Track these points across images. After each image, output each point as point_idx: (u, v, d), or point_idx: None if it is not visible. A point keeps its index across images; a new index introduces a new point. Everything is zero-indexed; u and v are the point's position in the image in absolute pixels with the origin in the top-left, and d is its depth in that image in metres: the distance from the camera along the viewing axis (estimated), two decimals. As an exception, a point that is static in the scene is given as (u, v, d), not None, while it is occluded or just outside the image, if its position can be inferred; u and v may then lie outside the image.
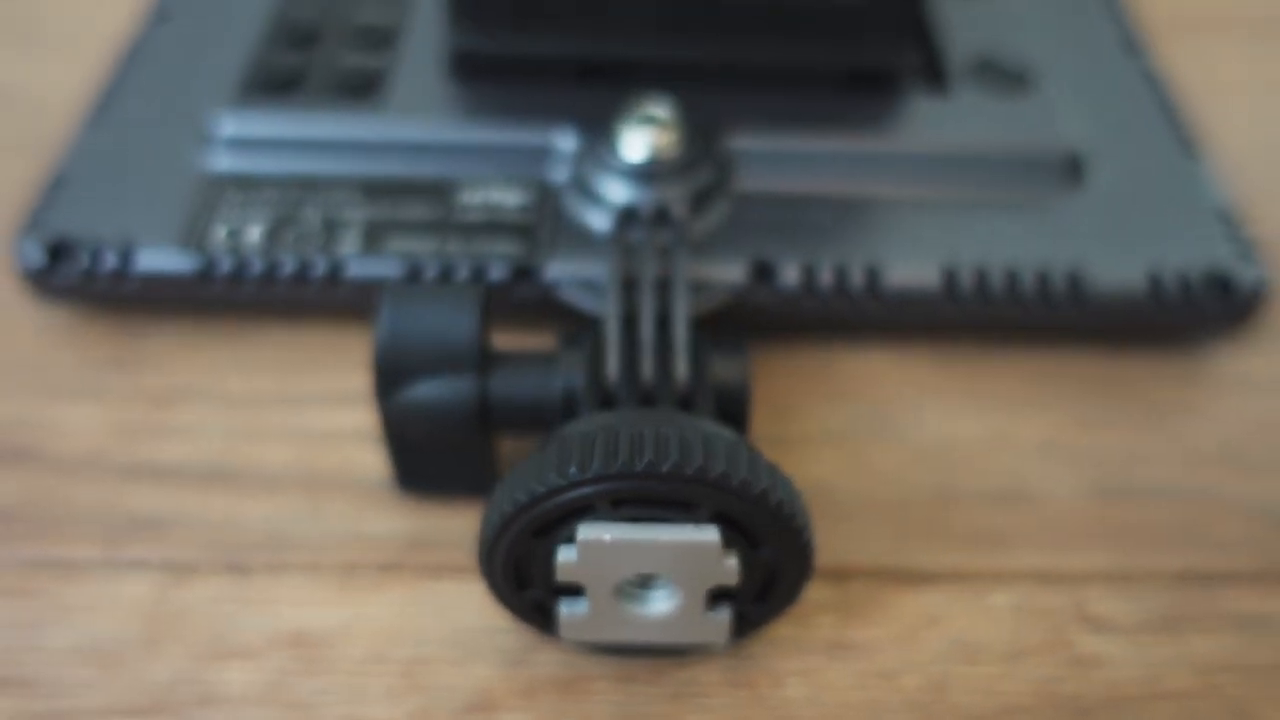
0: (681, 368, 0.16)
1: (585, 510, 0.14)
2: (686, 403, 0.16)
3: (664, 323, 0.17)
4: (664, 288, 0.18)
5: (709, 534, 0.14)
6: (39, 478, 0.18)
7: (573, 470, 0.13)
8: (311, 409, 0.19)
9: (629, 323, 0.17)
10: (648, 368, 0.16)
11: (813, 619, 0.17)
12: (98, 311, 0.20)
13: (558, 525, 0.14)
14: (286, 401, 0.19)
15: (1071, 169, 0.21)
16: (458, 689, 0.16)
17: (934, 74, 0.22)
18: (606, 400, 0.16)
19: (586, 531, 0.14)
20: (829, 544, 0.18)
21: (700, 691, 0.16)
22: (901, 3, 0.20)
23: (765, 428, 0.19)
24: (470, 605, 0.17)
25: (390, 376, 0.16)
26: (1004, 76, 0.22)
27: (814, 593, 0.17)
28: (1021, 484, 0.18)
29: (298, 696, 0.16)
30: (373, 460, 0.18)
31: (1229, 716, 0.16)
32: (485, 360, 0.16)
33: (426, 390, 0.16)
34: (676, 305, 0.17)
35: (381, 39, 0.22)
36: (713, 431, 0.14)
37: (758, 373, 0.20)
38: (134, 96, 0.22)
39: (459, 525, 0.18)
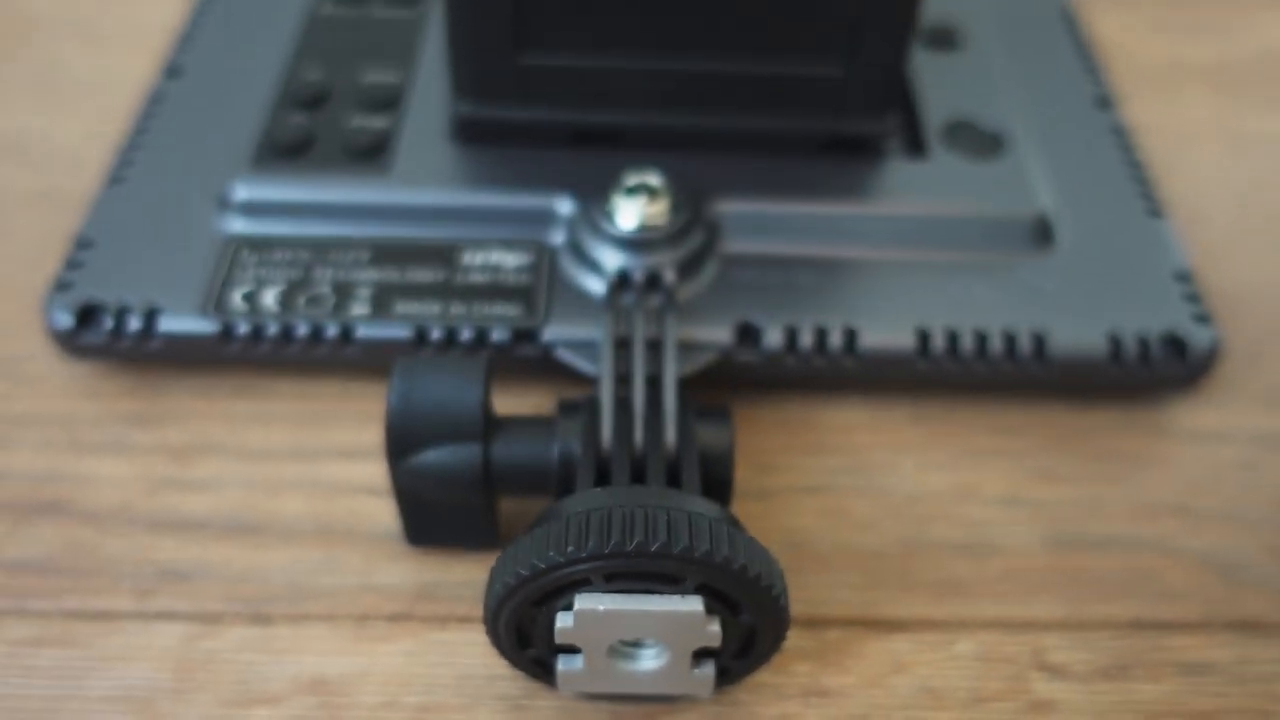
0: (670, 439, 0.18)
1: (582, 583, 0.15)
2: (674, 472, 0.17)
3: (655, 383, 0.19)
4: (655, 348, 0.20)
5: (694, 604, 0.15)
6: (72, 531, 0.19)
7: (570, 549, 0.15)
8: (325, 462, 0.20)
9: (623, 382, 0.19)
10: (639, 438, 0.18)
11: (791, 666, 0.18)
12: (121, 366, 0.21)
13: (556, 595, 0.15)
14: (301, 455, 0.20)
15: (1041, 231, 0.22)
16: None
17: (913, 135, 0.23)
18: (601, 469, 0.17)
19: (583, 602, 0.15)
20: (807, 594, 0.19)
21: (687, 735, 0.17)
22: (882, 77, 0.21)
23: (750, 481, 0.20)
24: (475, 653, 0.18)
25: (401, 444, 0.17)
26: (980, 137, 0.23)
27: (793, 641, 0.18)
28: (986, 535, 0.20)
29: None
30: (382, 513, 0.20)
31: None
32: (489, 427, 0.18)
33: (434, 457, 0.17)
34: (666, 368, 0.19)
35: (387, 100, 0.23)
36: (698, 510, 0.15)
37: (743, 427, 0.21)
38: (152, 157, 0.23)
39: (463, 576, 0.19)
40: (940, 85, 0.24)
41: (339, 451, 0.20)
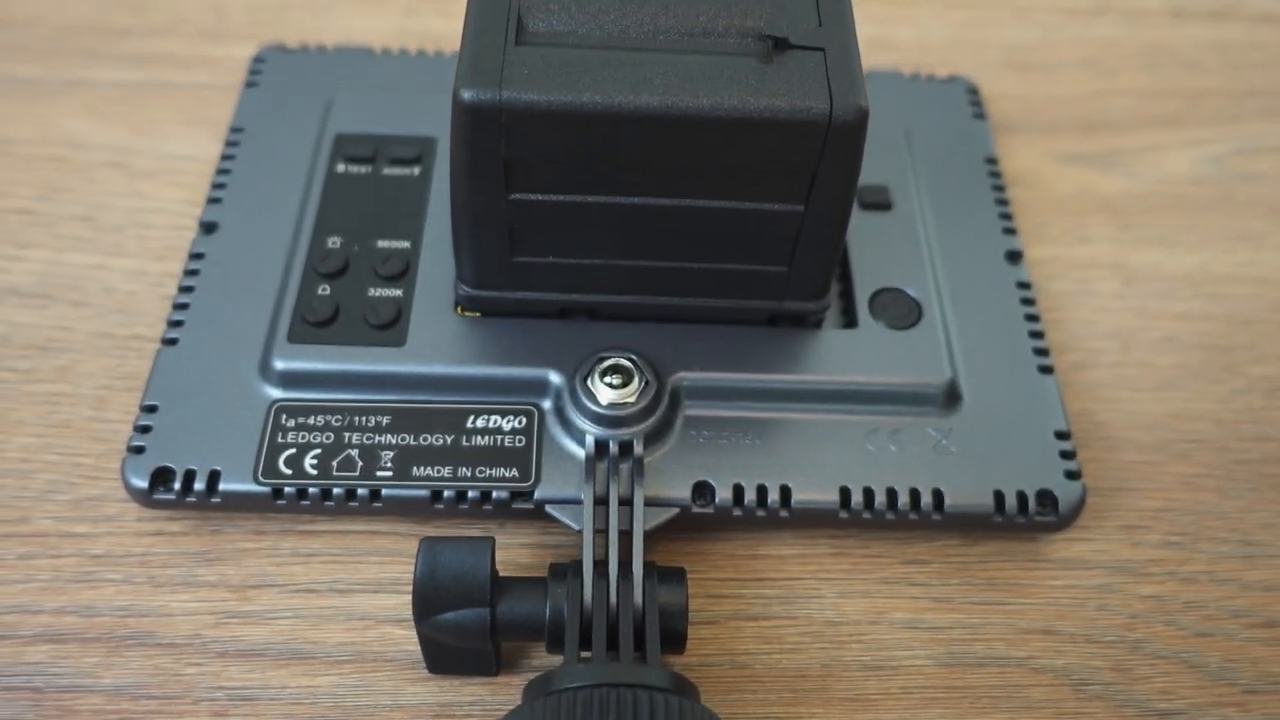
0: (638, 601, 0.22)
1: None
2: (640, 632, 0.22)
3: (627, 535, 0.23)
4: (628, 502, 0.24)
5: None
6: (156, 659, 0.24)
7: None
8: (358, 595, 0.25)
9: (601, 533, 0.23)
10: (613, 598, 0.22)
11: None
12: (186, 512, 0.26)
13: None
14: (338, 589, 0.25)
15: (950, 396, 0.26)
16: None
17: (847, 301, 0.27)
18: (584, 628, 0.22)
19: None
20: (747, 710, 0.24)
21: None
22: (818, 272, 0.25)
23: (702, 608, 0.25)
24: (484, 762, 0.23)
25: (425, 609, 0.22)
26: (903, 304, 0.27)
27: (732, 749, 0.23)
28: (891, 656, 0.25)
29: None
30: (406, 641, 0.24)
31: None
32: (495, 593, 0.22)
33: (451, 617, 0.22)
34: (635, 528, 0.23)
35: (399, 269, 0.27)
36: (658, 685, 0.20)
37: (697, 561, 0.26)
38: (198, 319, 0.26)
39: (473, 697, 0.24)
40: (871, 252, 0.28)
41: (370, 586, 0.25)
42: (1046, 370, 0.27)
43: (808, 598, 0.25)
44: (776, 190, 0.23)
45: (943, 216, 0.30)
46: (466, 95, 0.21)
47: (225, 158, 0.30)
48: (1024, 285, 0.29)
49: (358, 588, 0.25)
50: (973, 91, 0.34)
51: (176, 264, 0.30)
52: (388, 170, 0.29)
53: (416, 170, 0.29)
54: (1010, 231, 0.30)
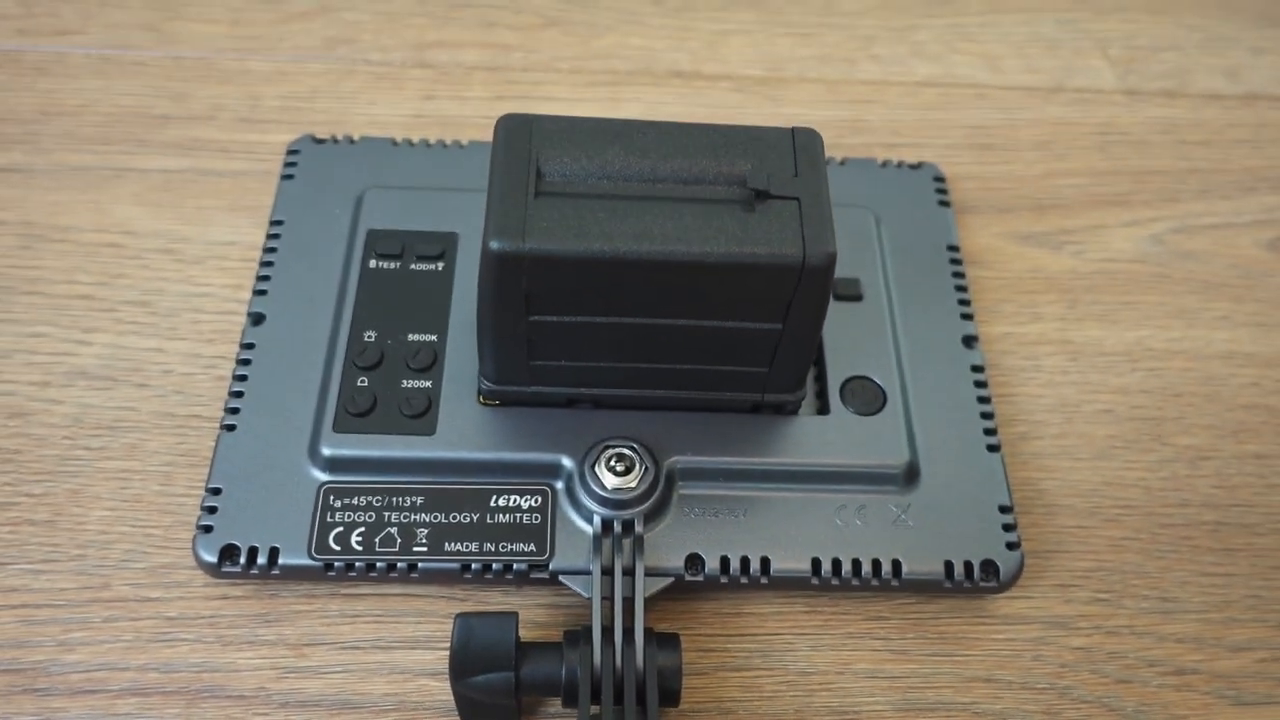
0: (639, 663, 0.26)
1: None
2: (642, 688, 0.26)
3: (630, 603, 0.27)
4: (630, 572, 0.28)
5: None
6: (227, 709, 0.28)
7: None
8: (399, 651, 0.29)
9: (608, 600, 0.27)
10: (619, 660, 0.26)
11: None
12: (248, 580, 0.29)
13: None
14: (380, 646, 0.29)
15: (909, 475, 0.30)
16: None
17: (821, 388, 0.31)
18: (595, 685, 0.26)
19: None
20: (731, 749, 0.28)
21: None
22: (794, 372, 0.29)
23: (695, 660, 0.29)
24: (509, 796, 0.27)
25: (459, 671, 0.26)
26: (870, 392, 0.31)
27: (719, 785, 0.27)
28: (855, 702, 0.29)
29: None
30: (441, 691, 0.28)
31: None
32: (519, 659, 0.26)
33: (482, 679, 0.26)
34: (637, 596, 0.27)
35: (428, 361, 0.31)
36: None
37: (688, 620, 0.30)
38: (252, 407, 0.30)
39: (499, 741, 0.28)
40: (843, 342, 0.32)
41: (408, 643, 0.29)
42: (994, 449, 0.31)
43: (783, 651, 0.30)
44: (758, 313, 0.27)
45: (907, 304, 0.34)
46: (495, 245, 0.25)
47: (268, 250, 0.34)
48: (978, 369, 0.33)
49: (398, 645, 0.29)
50: (939, 179, 0.37)
51: (226, 347, 0.33)
52: (415, 265, 0.33)
53: (440, 265, 0.33)
54: (968, 316, 0.34)
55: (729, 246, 0.25)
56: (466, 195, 0.34)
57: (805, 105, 0.41)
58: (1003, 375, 0.35)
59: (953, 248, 0.36)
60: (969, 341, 0.33)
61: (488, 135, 0.39)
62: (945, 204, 0.37)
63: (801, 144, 0.27)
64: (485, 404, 0.30)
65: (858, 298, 0.33)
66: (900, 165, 0.38)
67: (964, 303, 0.34)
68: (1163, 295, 0.37)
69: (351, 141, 0.36)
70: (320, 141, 0.36)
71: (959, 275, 0.35)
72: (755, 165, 0.26)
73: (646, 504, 0.29)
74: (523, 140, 0.26)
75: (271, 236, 0.34)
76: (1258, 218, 0.39)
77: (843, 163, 0.37)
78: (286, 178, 0.35)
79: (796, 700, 0.29)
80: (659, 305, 0.27)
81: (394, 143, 0.36)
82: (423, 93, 0.40)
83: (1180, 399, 0.35)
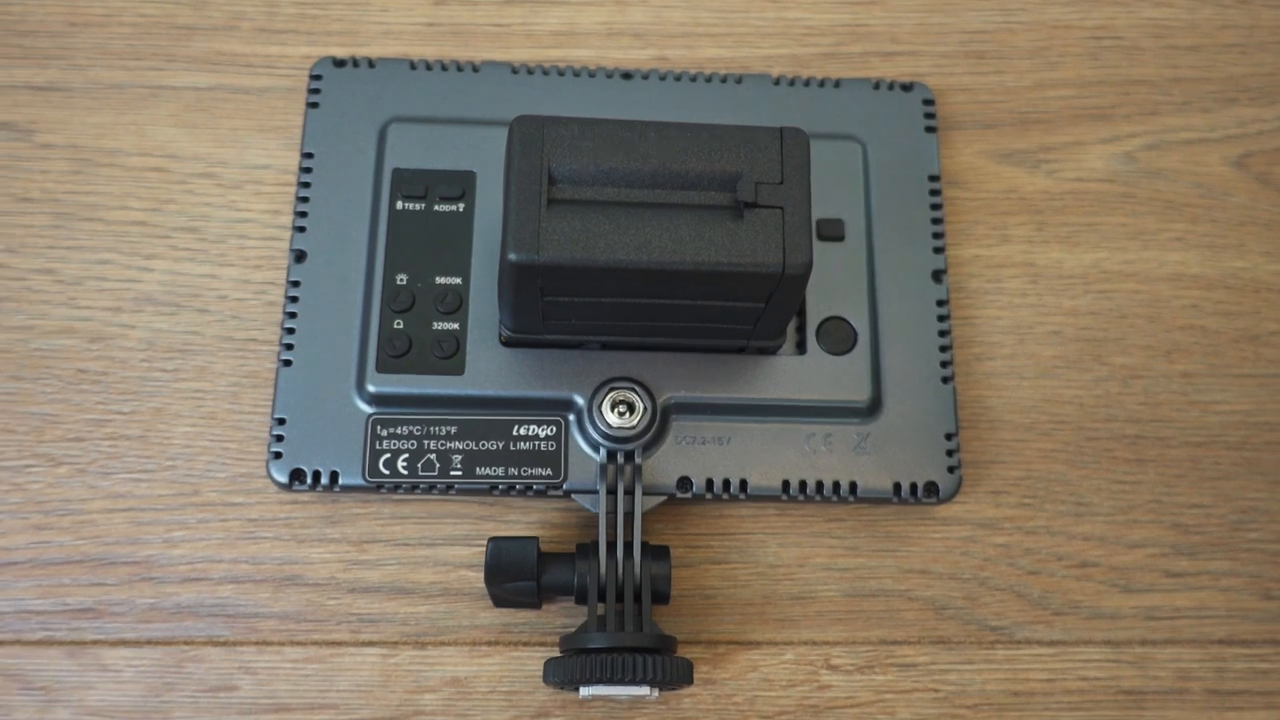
0: (636, 573, 0.32)
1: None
2: (638, 592, 0.32)
3: (630, 516, 0.33)
4: (630, 493, 0.34)
5: (644, 689, 0.31)
6: (305, 594, 0.35)
7: (584, 674, 0.30)
8: (442, 548, 0.35)
9: (611, 515, 0.33)
10: (620, 570, 0.32)
11: (697, 669, 0.34)
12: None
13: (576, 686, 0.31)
14: (426, 543, 0.35)
15: (872, 407, 0.35)
16: (529, 705, 0.34)
17: (800, 330, 0.35)
18: (601, 590, 0.32)
19: (586, 690, 0.31)
20: (709, 625, 0.35)
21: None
22: (775, 329, 0.33)
23: (684, 555, 0.35)
24: (534, 664, 0.34)
25: (492, 579, 0.32)
26: (843, 331, 0.36)
27: (698, 654, 0.35)
28: (811, 589, 0.35)
29: (456, 709, 0.34)
30: (478, 580, 0.35)
31: (888, 716, 0.34)
32: (540, 568, 0.32)
33: (510, 586, 0.33)
34: (636, 511, 0.33)
35: (455, 304, 0.35)
36: (649, 646, 0.31)
37: (679, 524, 0.36)
38: (303, 342, 0.35)
39: (525, 621, 0.35)
40: (824, 283, 0.36)
41: (449, 540, 0.35)
42: (947, 380, 0.36)
43: (756, 548, 0.36)
44: (744, 299, 0.31)
45: (885, 240, 0.37)
46: (513, 257, 0.28)
47: (302, 184, 0.37)
48: (942, 303, 0.37)
49: (440, 542, 0.35)
50: (928, 102, 0.39)
51: (272, 273, 0.37)
52: (438, 207, 0.36)
53: (460, 206, 0.36)
54: (939, 250, 0.37)
55: (717, 256, 0.29)
56: (482, 130, 0.37)
57: (807, 8, 0.42)
58: (966, 298, 0.39)
59: (934, 177, 0.38)
60: (938, 276, 0.37)
61: (498, 47, 0.41)
62: (932, 129, 0.39)
63: (789, 147, 0.29)
64: (506, 345, 0.35)
65: (840, 238, 0.37)
66: (893, 87, 0.39)
67: (938, 235, 0.38)
68: (1125, 216, 0.40)
69: (371, 64, 0.38)
70: (340, 64, 0.38)
71: (936, 207, 0.38)
72: (746, 169, 0.29)
73: (645, 438, 0.34)
74: (536, 145, 0.29)
75: (304, 170, 0.37)
76: (1230, 132, 0.41)
77: (838, 84, 0.39)
78: (312, 105, 0.38)
79: (765, 587, 0.36)
80: (657, 292, 0.31)
81: (411, 65, 0.38)
82: (434, -2, 0.41)
83: (1124, 320, 0.39)
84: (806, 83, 0.39)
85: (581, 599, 0.33)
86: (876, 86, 0.39)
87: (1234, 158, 0.41)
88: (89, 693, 0.34)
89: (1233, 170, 0.41)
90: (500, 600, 0.34)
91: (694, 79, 0.39)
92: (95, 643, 0.34)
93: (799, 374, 0.35)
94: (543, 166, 0.29)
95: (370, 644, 0.34)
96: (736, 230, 0.29)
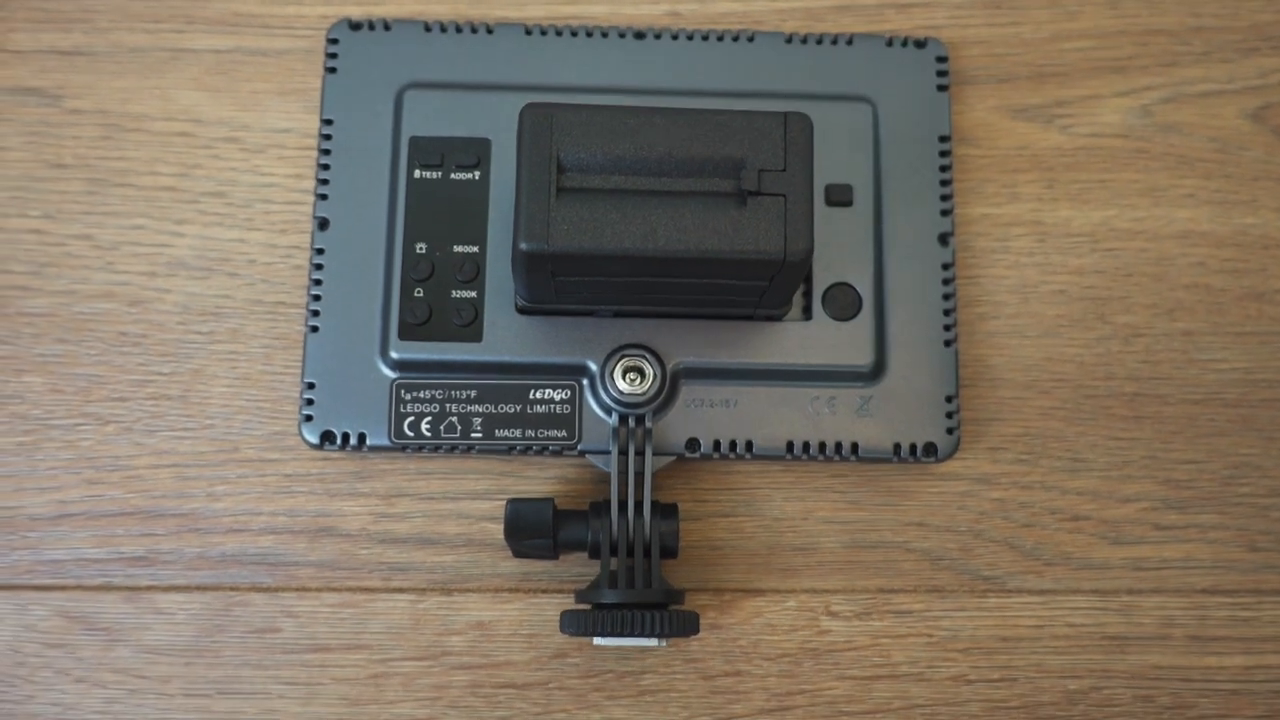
0: (646, 531, 0.34)
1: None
2: (647, 548, 0.34)
3: (640, 476, 0.35)
4: (641, 454, 0.35)
5: (653, 640, 0.33)
6: (339, 544, 0.37)
7: (599, 628, 0.33)
8: (465, 502, 0.37)
9: (623, 475, 0.35)
10: (631, 528, 0.34)
11: (705, 615, 0.37)
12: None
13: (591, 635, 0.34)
14: (450, 497, 0.37)
15: (875, 371, 0.36)
16: (547, 647, 0.36)
17: (806, 296, 0.36)
18: (613, 547, 0.35)
19: (600, 641, 0.33)
20: (717, 574, 0.37)
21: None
22: (780, 301, 0.34)
23: (693, 509, 0.37)
24: (552, 611, 0.37)
25: (511, 536, 0.35)
26: (848, 297, 0.36)
27: (705, 600, 0.37)
28: (814, 540, 0.37)
29: (480, 651, 0.36)
30: (498, 532, 0.37)
31: (883, 659, 0.37)
32: (555, 526, 0.34)
33: (528, 543, 0.35)
34: (646, 471, 0.35)
35: (472, 273, 0.36)
36: (656, 601, 0.33)
37: (688, 480, 0.37)
38: (330, 309, 0.36)
39: (543, 570, 0.37)
40: (830, 250, 0.36)
41: (471, 494, 0.37)
42: (949, 343, 0.37)
43: (762, 502, 0.38)
44: (748, 279, 0.32)
45: (893, 203, 0.37)
46: (524, 246, 0.30)
47: (323, 151, 0.38)
48: (947, 266, 0.37)
49: (463, 496, 0.38)
50: (941, 59, 0.39)
51: (296, 237, 0.39)
52: (454, 175, 0.37)
53: (476, 175, 0.37)
54: (946, 213, 0.38)
55: (721, 245, 0.30)
56: (496, 95, 0.37)
57: (824, -43, 0.41)
58: (973, 257, 0.39)
59: (944, 138, 0.38)
60: (944, 239, 0.38)
61: (512, 4, 0.41)
62: (944, 88, 0.39)
63: (792, 133, 0.30)
64: (522, 313, 0.36)
65: (848, 203, 0.37)
66: (906, 43, 0.39)
67: (945, 198, 0.38)
68: (1137, 172, 0.40)
69: (386, 27, 0.39)
70: (356, 27, 0.39)
71: (945, 169, 0.38)
72: (749, 156, 0.30)
73: (655, 403, 0.36)
74: (545, 134, 0.30)
75: (324, 137, 0.38)
76: (1250, 84, 0.41)
77: (850, 41, 0.39)
78: (330, 70, 0.38)
79: (769, 539, 0.38)
80: (663, 274, 0.32)
81: (425, 27, 0.39)
82: (447, -48, 0.41)
83: (1130, 279, 0.39)
84: (820, 39, 0.39)
85: (595, 554, 0.35)
86: (890, 43, 0.39)
87: (1251, 110, 0.41)
88: (146, 633, 0.37)
89: (1249, 123, 0.40)
90: (519, 553, 0.36)
91: (706, 38, 0.39)
92: (150, 588, 0.37)
93: (804, 339, 0.36)
94: (552, 155, 0.30)
95: (400, 590, 0.37)
96: (740, 218, 0.30)
